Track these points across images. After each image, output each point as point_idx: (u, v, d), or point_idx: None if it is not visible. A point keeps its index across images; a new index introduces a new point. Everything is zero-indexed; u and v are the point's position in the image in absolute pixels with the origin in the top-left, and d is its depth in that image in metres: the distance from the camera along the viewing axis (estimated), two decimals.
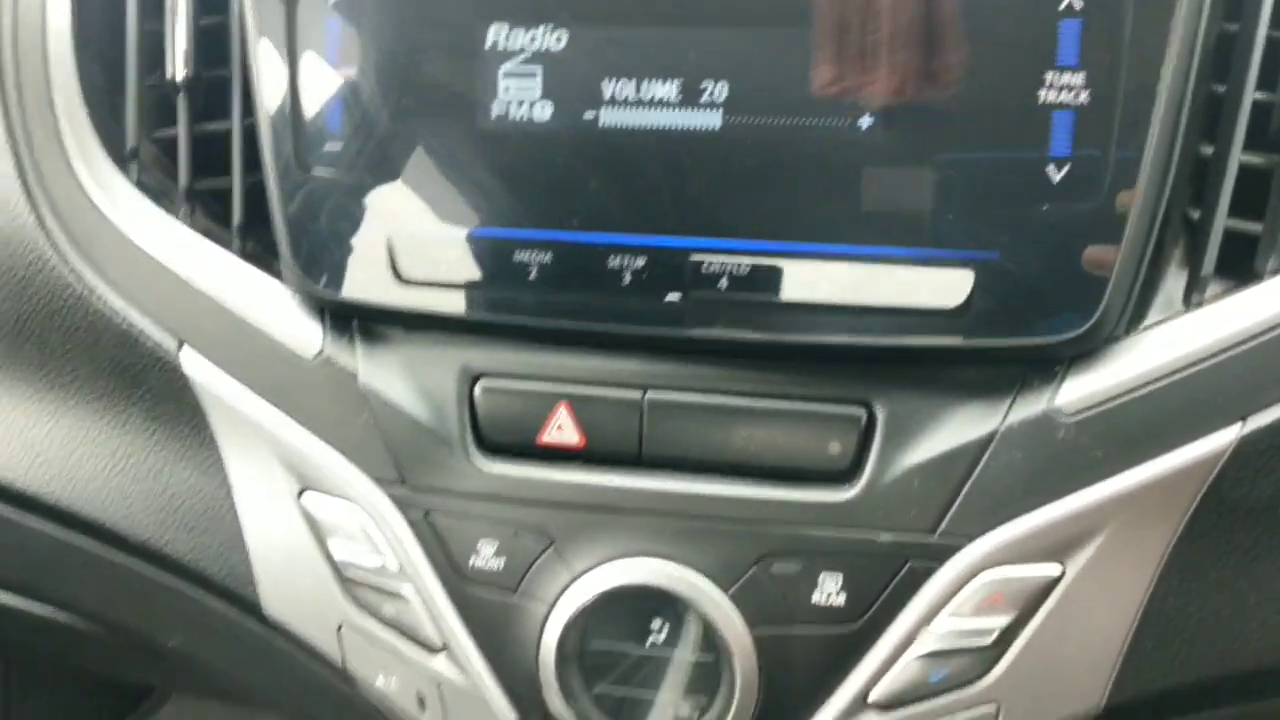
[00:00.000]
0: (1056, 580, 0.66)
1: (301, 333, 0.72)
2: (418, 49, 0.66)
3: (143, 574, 0.82)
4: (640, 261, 0.66)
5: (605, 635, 0.71)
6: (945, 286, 0.62)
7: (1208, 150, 0.64)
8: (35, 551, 0.84)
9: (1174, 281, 0.65)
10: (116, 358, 0.76)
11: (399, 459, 0.71)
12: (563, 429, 0.69)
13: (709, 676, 0.70)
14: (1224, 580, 0.67)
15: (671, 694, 0.71)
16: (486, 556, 0.71)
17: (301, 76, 0.68)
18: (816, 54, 0.62)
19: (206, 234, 0.75)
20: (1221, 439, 0.63)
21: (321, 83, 0.68)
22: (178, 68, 0.74)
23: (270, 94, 0.69)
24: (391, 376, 0.71)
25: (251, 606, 0.79)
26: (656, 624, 0.70)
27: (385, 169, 0.68)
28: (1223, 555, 0.66)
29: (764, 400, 0.67)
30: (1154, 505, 0.64)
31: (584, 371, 0.69)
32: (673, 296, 0.66)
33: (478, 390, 0.70)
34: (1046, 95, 0.60)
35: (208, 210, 0.77)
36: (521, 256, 0.67)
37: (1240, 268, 0.64)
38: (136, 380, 0.76)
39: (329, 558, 0.74)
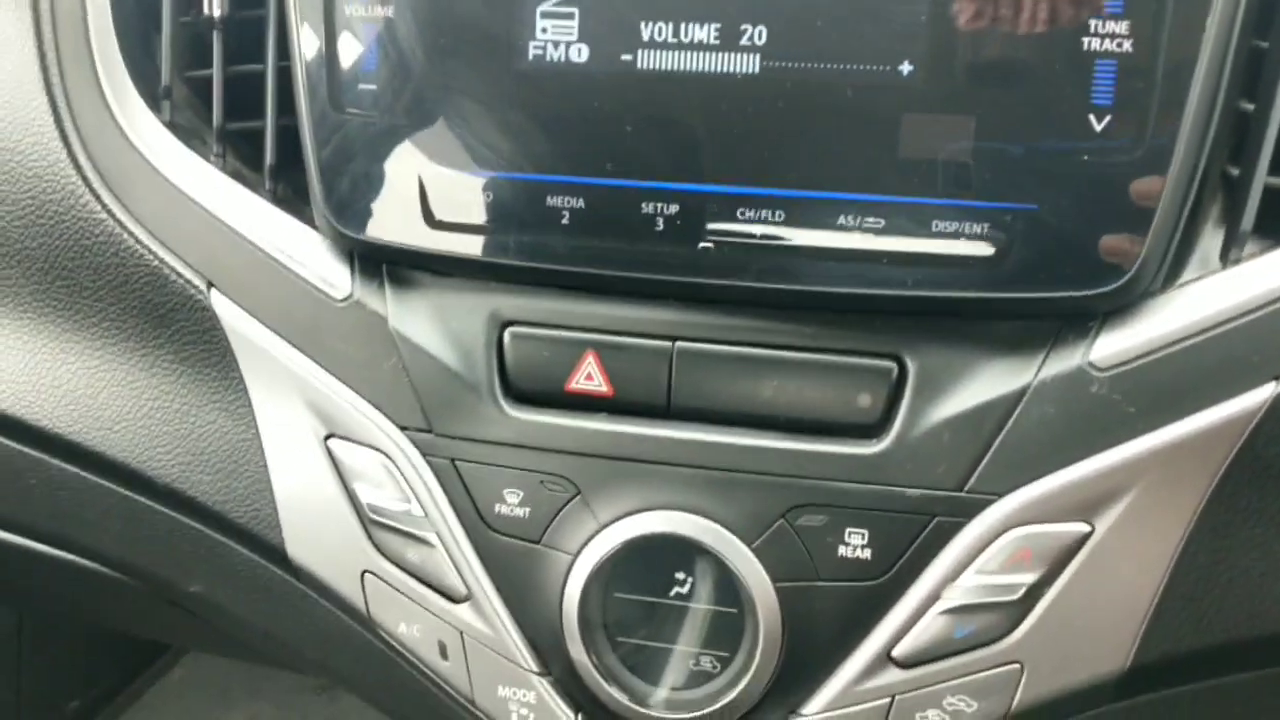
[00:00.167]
0: (1085, 538, 0.65)
1: (331, 276, 0.72)
2: None
3: (167, 517, 0.82)
4: (673, 208, 0.65)
5: (628, 586, 0.71)
6: (981, 237, 0.62)
7: (1249, 106, 0.63)
8: (59, 495, 0.85)
9: (1211, 238, 0.65)
10: (146, 297, 0.76)
11: (426, 405, 0.71)
12: (591, 378, 0.69)
13: (732, 629, 0.70)
14: (1255, 539, 0.66)
15: (693, 646, 0.71)
16: (512, 505, 0.71)
17: (337, 17, 0.68)
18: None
19: (236, 176, 0.75)
20: (1256, 397, 0.62)
21: (357, 23, 0.68)
22: (214, 5, 0.74)
23: (306, 34, 0.69)
24: (420, 321, 0.71)
25: (275, 551, 0.79)
26: (680, 575, 0.70)
27: (420, 111, 0.68)
28: (1254, 514, 0.66)
29: (794, 352, 0.67)
30: (1186, 463, 0.64)
31: (613, 320, 0.69)
32: (704, 244, 0.65)
33: (506, 337, 0.70)
34: (1090, 43, 0.59)
35: (238, 152, 0.77)
36: (554, 201, 0.67)
37: (1278, 226, 0.63)
38: (165, 320, 0.77)
39: (354, 503, 0.74)
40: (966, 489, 0.66)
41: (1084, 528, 0.65)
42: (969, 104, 0.61)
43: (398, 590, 0.75)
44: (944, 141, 0.62)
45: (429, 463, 0.72)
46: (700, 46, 0.63)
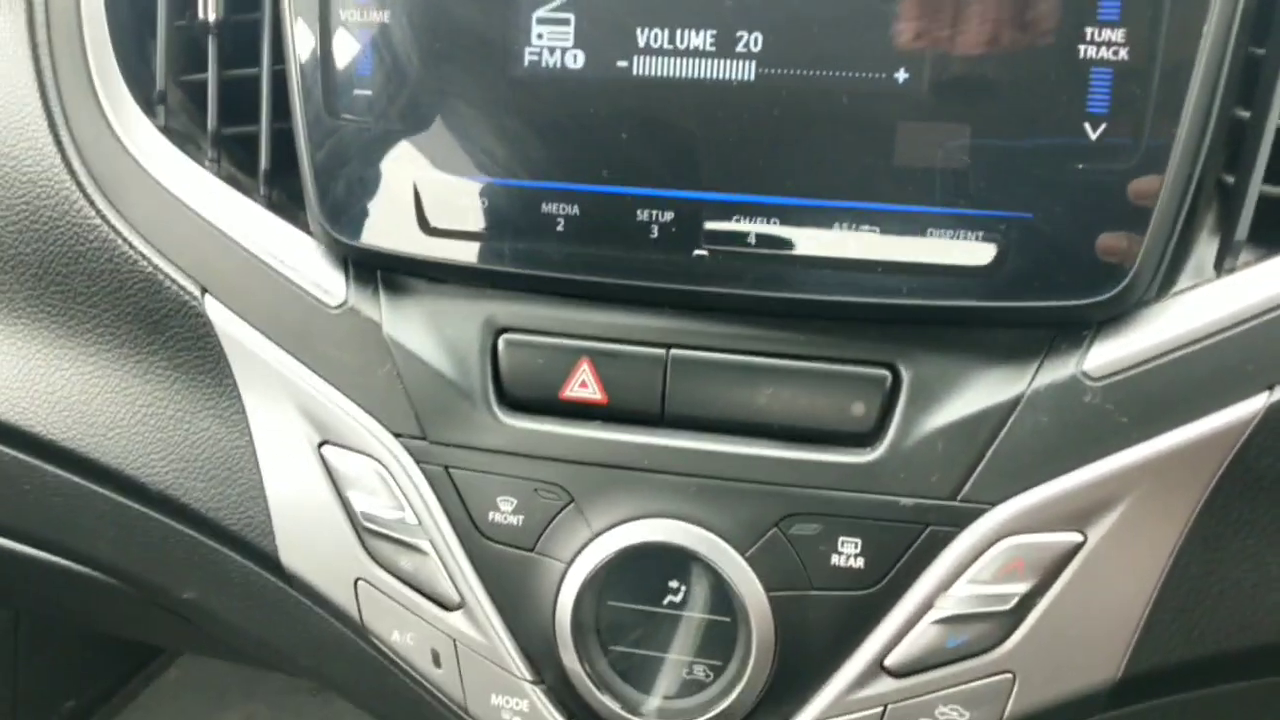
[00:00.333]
0: (1078, 548, 0.65)
1: (326, 282, 0.72)
2: None
3: (160, 524, 0.82)
4: (668, 215, 0.65)
5: (622, 595, 0.71)
6: (976, 246, 0.62)
7: (1244, 114, 0.63)
8: (53, 501, 0.85)
9: (1206, 247, 0.65)
10: (140, 303, 0.76)
11: (420, 412, 0.71)
12: (585, 385, 0.69)
13: (725, 638, 0.70)
14: (1247, 551, 0.66)
15: (686, 654, 0.71)
16: (505, 512, 0.71)
17: (332, 22, 0.68)
18: (853, 6, 0.61)
19: (231, 182, 0.75)
20: (1249, 407, 0.62)
21: (352, 28, 0.68)
22: (209, 10, 0.74)
23: (301, 39, 0.69)
24: (415, 328, 0.71)
25: (269, 558, 0.79)
26: (673, 584, 0.70)
27: (415, 117, 0.68)
28: (1246, 525, 0.66)
29: (788, 360, 0.67)
30: (1179, 473, 0.64)
31: (608, 328, 0.69)
32: (699, 252, 0.65)
33: (501, 344, 0.70)
34: (1086, 51, 0.59)
35: (233, 158, 0.77)
36: (549, 208, 0.66)
37: (1274, 235, 0.63)
38: (159, 327, 0.77)
39: (348, 510, 0.74)
40: (960, 498, 0.66)
41: (1076, 538, 0.65)
42: (964, 112, 0.61)
43: (391, 598, 0.75)
44: (939, 150, 0.61)
45: (423, 470, 0.72)
46: (696, 53, 0.63)
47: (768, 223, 0.64)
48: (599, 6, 0.64)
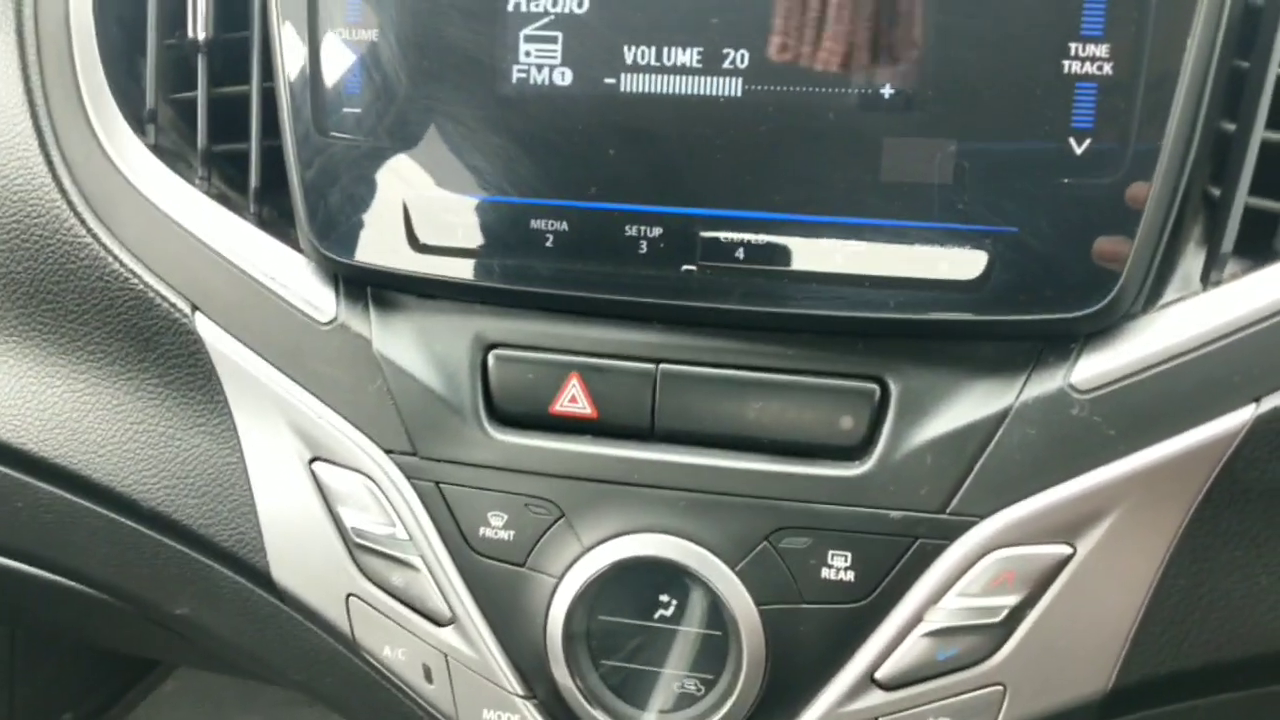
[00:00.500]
0: (1067, 560, 0.65)
1: (316, 299, 0.72)
2: (439, 11, 0.66)
3: (152, 541, 0.82)
4: (656, 231, 0.65)
5: (613, 609, 0.71)
6: (963, 260, 0.62)
7: (1230, 126, 0.63)
8: (45, 518, 0.85)
9: (1193, 259, 0.65)
10: (131, 321, 0.76)
11: (410, 428, 0.71)
12: (575, 400, 0.69)
13: (716, 652, 0.70)
14: (1235, 562, 0.66)
15: (678, 669, 0.71)
16: (496, 528, 0.71)
17: (322, 40, 0.68)
18: (839, 22, 0.62)
19: (221, 199, 0.75)
20: (1236, 420, 0.62)
21: (341, 46, 0.68)
22: (199, 28, 0.74)
23: (290, 57, 0.69)
24: (405, 344, 0.71)
25: (260, 575, 0.79)
26: (664, 599, 0.70)
27: (404, 134, 0.68)
28: (1235, 537, 0.66)
29: (777, 374, 0.67)
30: (1167, 486, 0.64)
31: (597, 343, 0.69)
32: (688, 267, 0.65)
33: (491, 360, 0.70)
34: (1070, 66, 0.59)
35: (223, 175, 0.77)
36: (538, 224, 0.67)
37: (1259, 246, 0.63)
38: (150, 344, 0.77)
39: (339, 526, 0.74)
40: (949, 511, 0.66)
41: (1066, 550, 0.65)
42: (950, 127, 0.61)
43: (382, 614, 0.75)
44: (925, 164, 0.62)
45: (413, 486, 0.72)
46: (683, 70, 0.64)
47: (756, 238, 0.64)
48: (586, 24, 0.64)
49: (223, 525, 0.79)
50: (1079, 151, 0.60)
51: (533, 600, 0.71)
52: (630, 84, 0.64)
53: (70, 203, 0.75)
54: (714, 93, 0.63)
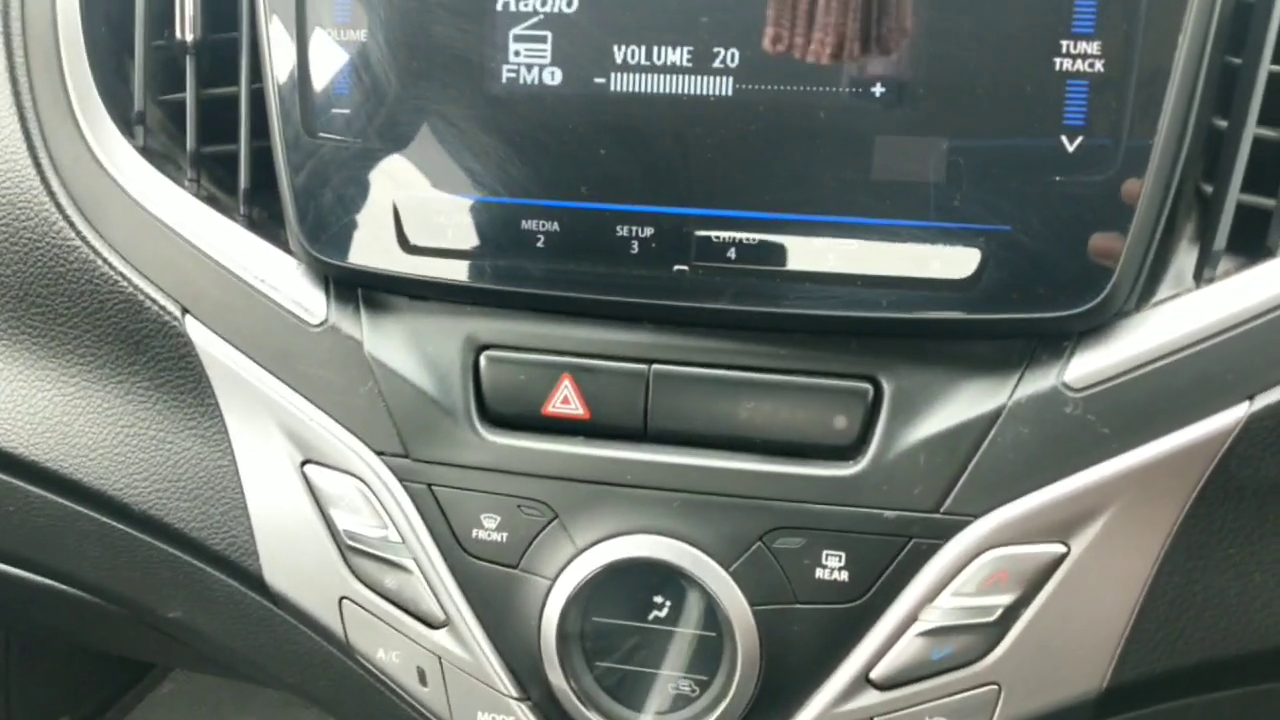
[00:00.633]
0: (1061, 559, 0.65)
1: (306, 300, 0.72)
2: (427, 11, 0.66)
3: (145, 544, 0.82)
4: (648, 231, 0.65)
5: (607, 611, 0.71)
6: (956, 258, 0.62)
7: (1222, 124, 0.63)
8: (36, 521, 0.84)
9: (1185, 257, 0.65)
10: (121, 324, 0.76)
11: (402, 430, 0.71)
12: (568, 401, 0.69)
13: (710, 653, 0.70)
14: (1230, 559, 0.66)
15: (672, 670, 0.71)
16: (489, 530, 0.71)
17: (310, 40, 0.68)
18: (829, 20, 0.61)
19: (211, 201, 0.75)
20: (1229, 417, 0.62)
21: (330, 47, 0.68)
22: (187, 30, 0.74)
23: (279, 58, 0.69)
24: (396, 346, 0.71)
25: (253, 578, 0.79)
26: (658, 600, 0.70)
27: (393, 134, 0.67)
28: (1229, 534, 0.66)
29: (770, 374, 0.67)
30: (1161, 483, 0.64)
31: (589, 344, 0.69)
32: (680, 267, 0.65)
33: (483, 361, 0.70)
34: (1062, 64, 0.59)
35: (213, 177, 0.77)
36: (529, 225, 0.66)
37: (1252, 243, 0.63)
38: (140, 347, 0.76)
39: (332, 529, 0.74)
40: (943, 510, 0.65)
41: (1060, 549, 0.65)
42: (941, 125, 0.61)
43: (376, 616, 0.75)
44: (917, 163, 0.62)
45: (405, 488, 0.72)
46: (673, 69, 0.63)
47: (747, 238, 0.64)
48: (576, 24, 0.64)
49: (215, 528, 0.78)
50: (1071, 149, 0.60)
51: (526, 602, 0.71)
52: (620, 83, 0.64)
53: (59, 205, 0.75)
54: (704, 92, 0.63)
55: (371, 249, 0.69)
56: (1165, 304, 0.64)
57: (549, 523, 0.70)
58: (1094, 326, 0.63)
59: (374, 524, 0.72)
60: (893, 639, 0.67)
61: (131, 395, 0.79)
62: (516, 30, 0.65)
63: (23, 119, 0.75)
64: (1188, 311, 0.63)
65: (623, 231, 0.65)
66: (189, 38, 0.74)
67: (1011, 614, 0.66)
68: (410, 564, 0.72)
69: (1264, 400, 0.62)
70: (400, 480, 0.72)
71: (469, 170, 0.67)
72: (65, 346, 0.79)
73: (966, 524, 0.65)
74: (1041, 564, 0.65)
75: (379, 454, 0.72)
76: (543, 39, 0.65)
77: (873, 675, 0.68)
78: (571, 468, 0.69)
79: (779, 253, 0.64)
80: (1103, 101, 0.59)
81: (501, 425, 0.71)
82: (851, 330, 0.66)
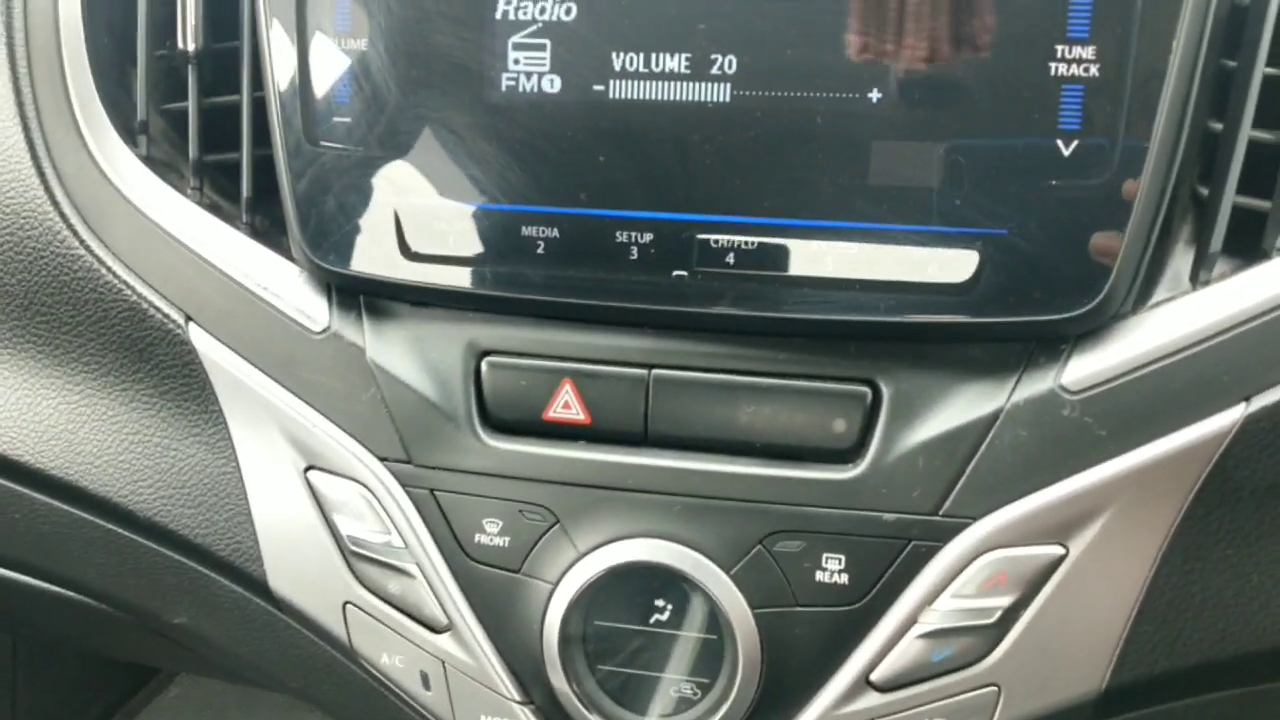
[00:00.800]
0: (1060, 560, 0.66)
1: (309, 308, 0.72)
2: (427, 20, 0.66)
3: (149, 551, 0.82)
4: (647, 237, 0.66)
5: (608, 615, 0.71)
6: (953, 262, 0.62)
7: (1217, 126, 0.64)
8: (42, 528, 0.85)
9: (1181, 259, 0.65)
10: (124, 332, 0.76)
11: (405, 436, 0.71)
12: (569, 406, 0.70)
13: (711, 656, 0.70)
14: (1227, 560, 0.66)
15: (674, 673, 0.71)
16: (491, 534, 0.71)
17: (311, 49, 0.69)
18: (826, 27, 0.62)
19: (213, 209, 0.75)
20: (1226, 419, 0.62)
21: (331, 56, 0.68)
22: (189, 39, 0.75)
23: (280, 67, 0.69)
24: (398, 352, 0.71)
25: (257, 583, 0.79)
26: (659, 604, 0.71)
27: (394, 142, 0.68)
28: (1226, 535, 0.66)
29: (769, 378, 0.67)
30: (1158, 485, 0.64)
31: (590, 349, 0.69)
32: (679, 272, 0.66)
33: (484, 367, 0.70)
34: (1057, 68, 0.59)
35: (215, 185, 0.77)
36: (529, 231, 0.67)
37: (1248, 245, 0.64)
38: (144, 355, 0.77)
39: (335, 534, 0.75)
40: (942, 513, 0.66)
41: (1059, 550, 0.65)
42: (937, 130, 0.61)
43: (379, 621, 0.75)
44: (914, 168, 0.62)
45: (408, 493, 0.72)
46: (671, 76, 0.64)
47: (745, 243, 0.65)
48: (574, 32, 0.64)
49: (219, 535, 0.79)
50: (1067, 153, 0.60)
51: (529, 606, 0.72)
52: (619, 90, 0.64)
53: (63, 215, 0.75)
54: (703, 98, 0.63)
55: (373, 256, 0.70)
56: (1162, 306, 0.64)
57: (551, 527, 0.70)
58: (1091, 329, 0.64)
59: (377, 529, 0.73)
60: (893, 641, 0.68)
61: (136, 403, 0.79)
62: (516, 38, 0.65)
63: (26, 129, 0.76)
64: (1184, 314, 0.63)
65: (622, 237, 0.66)
66: (191, 47, 0.75)
67: (1011, 615, 0.67)
68: (413, 569, 0.73)
69: (1260, 402, 0.62)
70: (403, 486, 0.72)
71: (470, 177, 0.67)
72: (70, 355, 0.79)
73: (965, 526, 0.66)
74: (1040, 565, 0.66)
75: (382, 460, 0.72)
76: (542, 47, 0.65)
77: (873, 677, 0.69)
78: (573, 472, 0.70)
79: (778, 258, 0.64)
80: (1098, 105, 0.59)
81: (503, 430, 0.71)
82: (850, 334, 0.66)
